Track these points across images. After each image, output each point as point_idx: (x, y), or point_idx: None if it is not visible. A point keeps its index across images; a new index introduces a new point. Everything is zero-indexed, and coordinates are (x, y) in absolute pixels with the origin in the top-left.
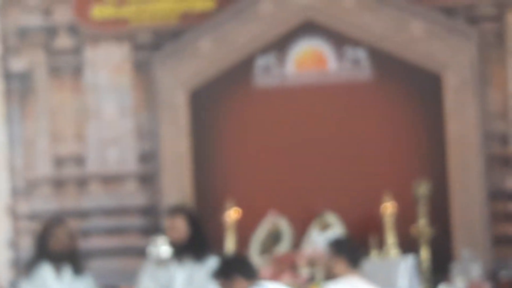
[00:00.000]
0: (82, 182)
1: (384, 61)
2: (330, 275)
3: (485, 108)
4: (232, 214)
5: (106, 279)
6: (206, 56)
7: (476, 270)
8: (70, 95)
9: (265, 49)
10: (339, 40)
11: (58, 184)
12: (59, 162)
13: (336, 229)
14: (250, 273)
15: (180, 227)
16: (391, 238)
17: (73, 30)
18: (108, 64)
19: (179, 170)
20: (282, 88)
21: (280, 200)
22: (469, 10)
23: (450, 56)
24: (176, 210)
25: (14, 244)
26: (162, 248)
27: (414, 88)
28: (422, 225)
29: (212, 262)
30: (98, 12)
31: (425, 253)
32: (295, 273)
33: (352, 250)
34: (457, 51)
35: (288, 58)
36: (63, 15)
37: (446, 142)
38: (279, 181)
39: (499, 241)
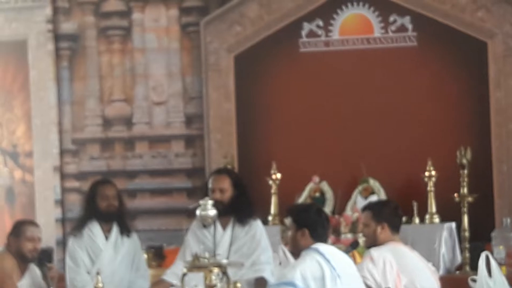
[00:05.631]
0: (129, 143)
1: (430, 29)
2: (372, 241)
3: None
4: (276, 178)
5: (151, 239)
6: (252, 21)
7: None
8: (119, 57)
9: (311, 15)
10: (385, 7)
11: (106, 144)
12: (107, 123)
13: (379, 195)
14: (319, 235)
15: (225, 188)
16: (433, 205)
17: None
18: (156, 27)
19: (224, 133)
20: (327, 53)
21: (324, 164)
22: None
23: (496, 25)
24: (221, 172)
25: (62, 204)
26: (209, 210)
27: (460, 56)
28: (464, 193)
29: (255, 226)
30: None
31: (466, 220)
32: (338, 238)
33: (394, 216)
34: (503, 20)
35: (334, 24)
36: None
37: (490, 110)
38: (322, 145)
39: None
